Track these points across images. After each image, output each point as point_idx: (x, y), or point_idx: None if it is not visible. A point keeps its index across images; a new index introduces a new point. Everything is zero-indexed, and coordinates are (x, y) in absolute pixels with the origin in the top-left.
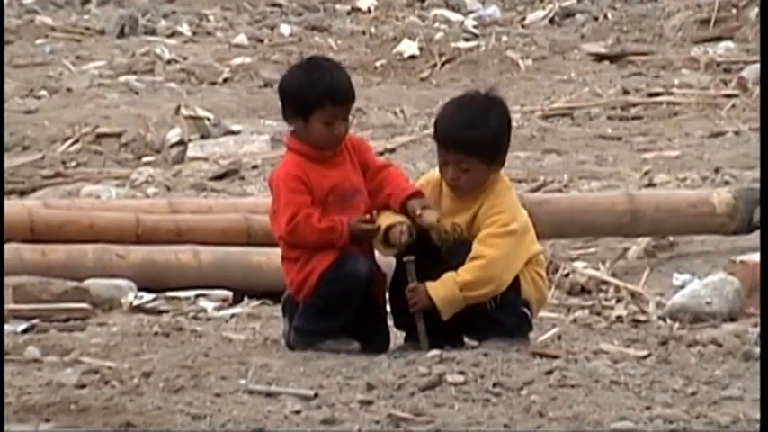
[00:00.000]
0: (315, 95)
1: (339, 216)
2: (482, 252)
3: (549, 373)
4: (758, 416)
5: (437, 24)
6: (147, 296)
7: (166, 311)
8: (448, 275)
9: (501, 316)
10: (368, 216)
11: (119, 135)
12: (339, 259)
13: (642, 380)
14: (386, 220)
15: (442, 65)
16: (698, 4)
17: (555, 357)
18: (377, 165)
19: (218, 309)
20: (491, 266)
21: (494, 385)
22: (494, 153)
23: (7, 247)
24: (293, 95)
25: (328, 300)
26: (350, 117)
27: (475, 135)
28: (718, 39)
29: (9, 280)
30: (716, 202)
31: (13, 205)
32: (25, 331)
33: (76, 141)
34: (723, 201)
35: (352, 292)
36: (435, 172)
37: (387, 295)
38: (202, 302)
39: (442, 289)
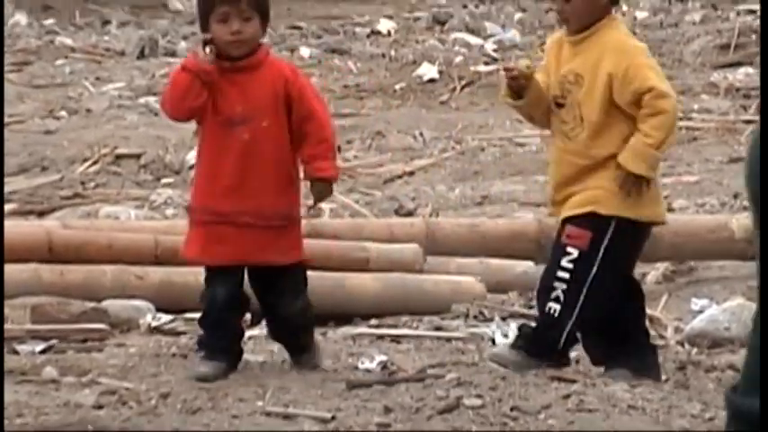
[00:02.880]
0: None
1: (216, 138)
2: (660, 107)
3: (567, 397)
4: None
5: (457, 48)
6: (166, 317)
7: (184, 333)
8: (637, 142)
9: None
10: (246, 137)
11: (138, 156)
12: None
13: (660, 405)
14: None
15: (462, 88)
16: (718, 29)
17: (573, 382)
18: (302, 109)
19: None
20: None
21: (511, 409)
22: None
23: (26, 267)
24: (197, 8)
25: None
26: (256, 23)
27: None
28: (738, 64)
29: (27, 300)
30: (735, 227)
31: (31, 225)
32: (43, 352)
33: (96, 162)
34: (742, 226)
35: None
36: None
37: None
38: None
39: (641, 160)
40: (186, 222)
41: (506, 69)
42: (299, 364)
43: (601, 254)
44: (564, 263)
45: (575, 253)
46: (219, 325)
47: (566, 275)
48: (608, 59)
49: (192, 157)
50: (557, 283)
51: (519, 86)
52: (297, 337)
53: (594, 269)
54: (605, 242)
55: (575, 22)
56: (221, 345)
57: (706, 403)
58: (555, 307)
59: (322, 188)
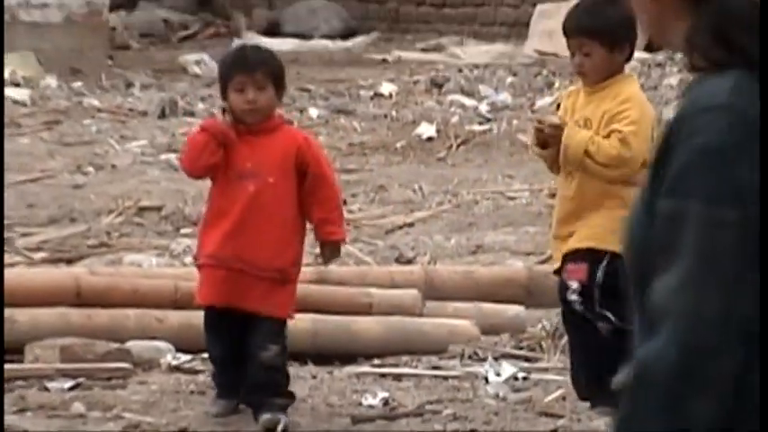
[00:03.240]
0: (225, 68)
1: (225, 189)
2: (620, 149)
3: (554, 431)
4: None
5: (453, 109)
6: (185, 357)
7: (202, 371)
8: (588, 134)
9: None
10: (251, 189)
11: (159, 208)
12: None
13: None
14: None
15: (458, 146)
16: None
17: (560, 417)
18: (316, 175)
19: None
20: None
21: None
22: (612, 37)
23: (55, 311)
24: (218, 77)
25: None
26: (273, 92)
27: (591, 19)
28: None
29: (57, 341)
30: None
31: (60, 272)
32: (71, 389)
33: (120, 214)
34: None
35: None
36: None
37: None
38: None
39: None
40: (194, 269)
41: (538, 122)
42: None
43: (599, 281)
44: (569, 296)
45: (575, 285)
46: (225, 367)
47: (574, 307)
48: (615, 105)
49: None
50: (569, 317)
51: (545, 139)
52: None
53: (597, 297)
54: (600, 272)
55: (593, 75)
56: (229, 384)
57: None
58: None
59: (332, 250)
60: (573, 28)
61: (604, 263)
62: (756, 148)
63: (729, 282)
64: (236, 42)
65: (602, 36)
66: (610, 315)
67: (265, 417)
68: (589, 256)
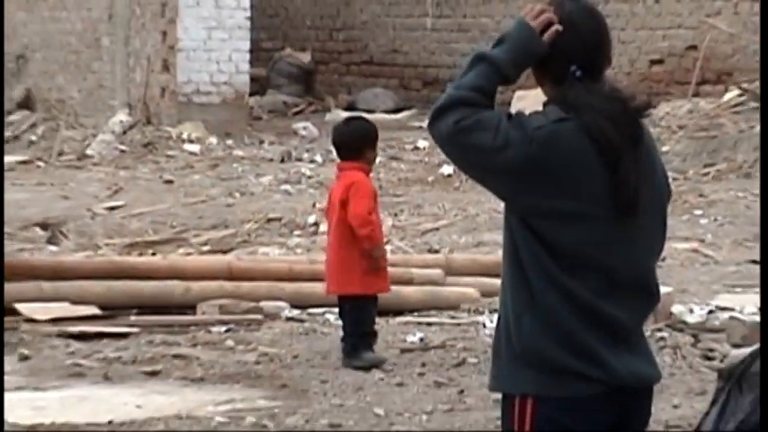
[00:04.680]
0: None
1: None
2: None
3: None
4: None
5: None
6: (296, 312)
7: (305, 321)
8: None
9: None
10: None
11: (280, 219)
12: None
13: None
14: None
15: (466, 180)
16: None
17: None
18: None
19: (337, 319)
20: None
21: None
22: None
23: (215, 283)
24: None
25: None
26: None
27: None
28: None
29: (217, 301)
30: None
31: (218, 259)
32: (226, 331)
33: (255, 222)
34: None
35: None
36: None
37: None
38: (328, 315)
39: None
40: (304, 258)
41: None
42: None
43: None
44: None
45: None
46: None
47: None
48: None
49: (310, 219)
50: None
51: None
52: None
53: None
54: None
55: None
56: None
57: None
58: None
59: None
60: None
61: None
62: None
63: None
64: (330, 115)
65: None
66: None
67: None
68: None
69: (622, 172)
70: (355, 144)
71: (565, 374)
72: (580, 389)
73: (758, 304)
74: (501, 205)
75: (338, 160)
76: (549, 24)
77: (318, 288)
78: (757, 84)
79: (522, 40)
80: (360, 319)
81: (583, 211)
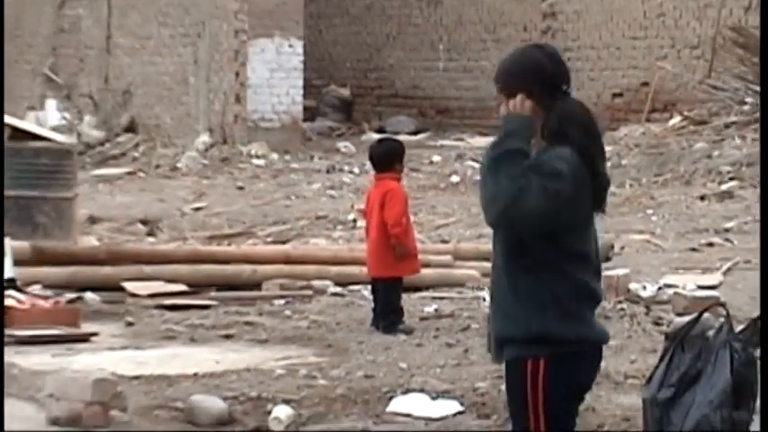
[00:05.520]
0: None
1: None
2: None
3: None
4: None
5: (467, 167)
6: (338, 289)
7: (347, 295)
8: None
9: None
10: None
11: (326, 216)
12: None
13: None
14: None
15: (471, 185)
16: None
17: None
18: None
19: (370, 294)
20: None
21: None
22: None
23: (276, 267)
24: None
25: None
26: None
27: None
28: None
29: (277, 281)
30: None
31: (278, 248)
32: (284, 304)
33: (307, 219)
34: None
35: None
36: None
37: None
38: (363, 292)
39: None
40: (345, 247)
41: None
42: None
43: None
44: None
45: None
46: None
47: None
48: None
49: (350, 216)
50: None
51: None
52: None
53: None
54: None
55: None
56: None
57: None
58: None
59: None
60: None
61: None
62: (578, 174)
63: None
64: (365, 137)
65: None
66: None
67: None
68: None
69: (601, 176)
70: (387, 159)
71: (568, 340)
72: (581, 347)
73: (696, 282)
74: None
75: (373, 171)
76: (525, 99)
77: (356, 270)
78: (696, 111)
79: (522, 126)
80: (391, 297)
81: (585, 214)
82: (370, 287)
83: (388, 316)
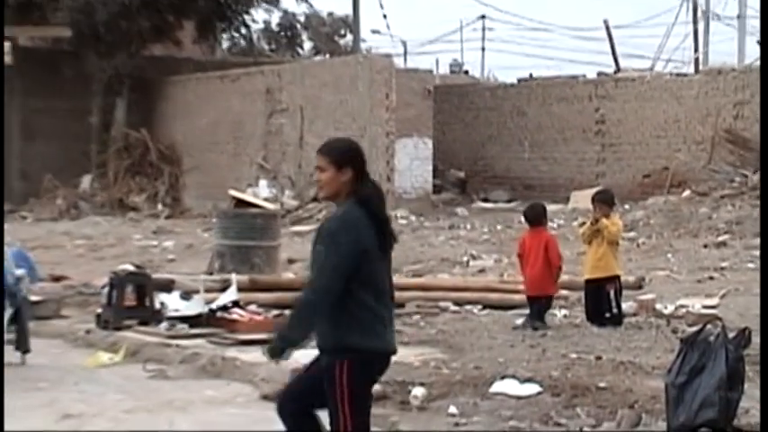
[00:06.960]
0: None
1: None
2: None
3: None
4: None
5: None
6: (456, 307)
7: (461, 312)
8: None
9: None
10: None
11: (447, 258)
12: None
13: None
14: None
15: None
16: None
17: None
18: None
19: (480, 310)
20: None
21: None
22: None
23: (411, 294)
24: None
25: None
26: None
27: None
28: None
29: (414, 302)
30: None
31: (415, 280)
32: (420, 318)
33: (434, 261)
34: None
35: None
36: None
37: None
38: (474, 309)
39: None
40: (461, 279)
41: (595, 220)
42: None
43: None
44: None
45: (612, 291)
46: None
47: (612, 304)
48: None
49: (464, 259)
50: (607, 307)
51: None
52: None
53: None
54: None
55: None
56: None
57: None
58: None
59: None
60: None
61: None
62: (354, 230)
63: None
64: (474, 205)
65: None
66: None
67: None
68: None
69: (386, 228)
70: (538, 219)
71: (367, 350)
72: (377, 353)
73: (702, 303)
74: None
75: (527, 225)
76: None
77: (468, 294)
78: (701, 187)
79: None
80: (546, 307)
81: (372, 257)
82: (528, 305)
83: (536, 319)
